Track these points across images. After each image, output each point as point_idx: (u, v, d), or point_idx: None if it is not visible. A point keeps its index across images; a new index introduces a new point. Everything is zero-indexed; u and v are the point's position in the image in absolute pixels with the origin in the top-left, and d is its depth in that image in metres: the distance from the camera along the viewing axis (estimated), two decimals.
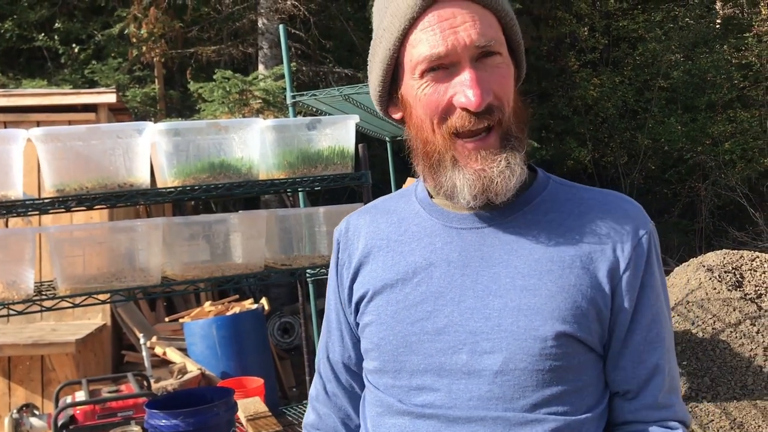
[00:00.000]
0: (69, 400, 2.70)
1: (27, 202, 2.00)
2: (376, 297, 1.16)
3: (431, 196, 1.19)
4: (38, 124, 4.96)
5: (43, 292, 2.19)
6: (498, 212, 1.12)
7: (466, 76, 1.03)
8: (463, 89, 1.03)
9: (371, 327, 1.16)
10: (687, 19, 11.84)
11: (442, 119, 1.07)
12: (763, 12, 11.10)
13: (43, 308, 2.04)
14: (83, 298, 2.07)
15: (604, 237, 1.09)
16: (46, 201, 2.01)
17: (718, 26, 12.52)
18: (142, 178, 2.12)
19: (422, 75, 1.06)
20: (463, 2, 1.04)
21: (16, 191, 1.99)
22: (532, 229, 1.10)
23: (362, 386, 1.27)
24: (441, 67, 1.05)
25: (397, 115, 1.18)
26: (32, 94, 5.27)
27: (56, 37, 9.90)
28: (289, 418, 3.27)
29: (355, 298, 1.21)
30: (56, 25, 9.87)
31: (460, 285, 1.09)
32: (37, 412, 3.41)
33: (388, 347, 1.13)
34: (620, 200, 1.15)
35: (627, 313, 1.09)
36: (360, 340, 1.23)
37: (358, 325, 1.22)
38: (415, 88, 1.08)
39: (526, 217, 1.12)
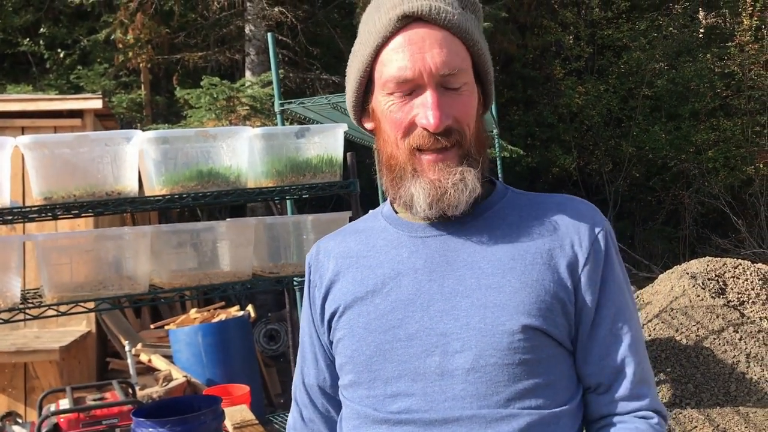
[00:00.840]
0: (53, 408, 2.69)
1: (14, 210, 1.99)
2: (347, 311, 1.19)
3: (396, 213, 1.24)
4: (23, 129, 4.93)
5: (29, 300, 2.18)
6: (460, 218, 1.16)
7: (428, 98, 1.09)
8: (425, 111, 1.09)
9: (344, 341, 1.18)
10: (671, 29, 11.97)
11: (404, 135, 1.13)
12: (745, 22, 11.24)
13: (30, 317, 2.03)
14: (70, 306, 2.07)
15: (562, 235, 1.14)
16: (33, 209, 2.01)
17: (701, 36, 12.67)
18: (130, 186, 2.12)
19: (390, 93, 1.13)
20: (435, 28, 1.11)
21: (3, 199, 1.99)
22: (493, 232, 1.16)
23: (338, 410, 1.28)
24: (407, 88, 1.11)
25: (369, 126, 1.24)
26: (17, 99, 5.24)
27: (41, 42, 9.84)
28: (276, 426, 3.26)
29: (327, 316, 1.23)
30: (41, 30, 9.82)
31: (428, 290, 1.13)
32: (20, 421, 3.39)
33: (362, 358, 1.15)
34: (574, 201, 1.21)
35: (590, 308, 1.13)
36: (334, 359, 1.24)
37: (331, 343, 1.24)
38: (382, 104, 1.15)
39: (487, 221, 1.17)
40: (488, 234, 1.16)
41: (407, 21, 1.11)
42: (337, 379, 1.25)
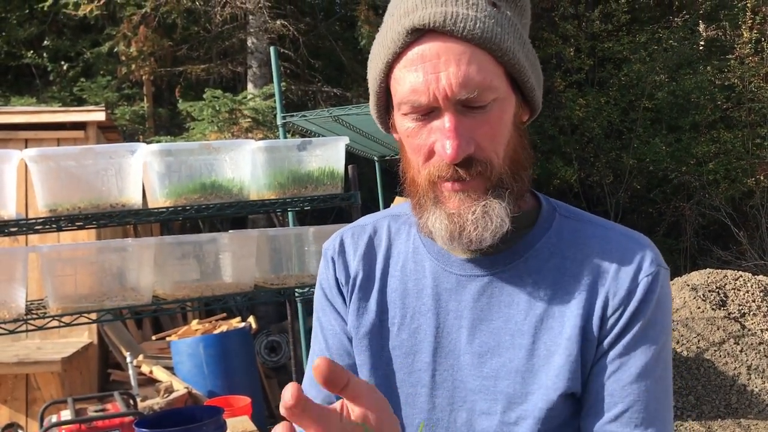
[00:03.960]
0: (54, 419, 2.69)
1: (20, 222, 2.01)
2: (368, 336, 1.12)
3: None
4: (26, 141, 4.96)
5: (33, 311, 2.19)
6: (500, 258, 1.06)
7: (445, 123, 0.95)
8: (442, 139, 0.95)
9: (362, 369, 1.12)
10: (671, 41, 12.00)
11: (424, 162, 1.00)
12: (745, 35, 11.29)
13: (34, 327, 2.04)
14: (74, 317, 2.08)
15: (602, 288, 1.03)
16: (38, 220, 2.03)
17: (701, 48, 12.72)
18: (134, 199, 2.14)
19: (406, 114, 1.00)
20: (453, 41, 0.94)
21: (9, 211, 2.01)
22: (534, 278, 1.05)
23: None
24: (423, 111, 0.98)
25: (397, 137, 1.10)
26: (21, 111, 5.27)
27: (45, 54, 9.90)
28: None
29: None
30: (45, 42, 9.88)
31: (459, 338, 1.06)
32: None
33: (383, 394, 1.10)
34: (622, 241, 1.07)
35: (604, 361, 1.03)
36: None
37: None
38: (400, 126, 1.03)
39: (528, 263, 1.05)
40: (528, 280, 1.04)
41: (419, 34, 0.95)
42: None
